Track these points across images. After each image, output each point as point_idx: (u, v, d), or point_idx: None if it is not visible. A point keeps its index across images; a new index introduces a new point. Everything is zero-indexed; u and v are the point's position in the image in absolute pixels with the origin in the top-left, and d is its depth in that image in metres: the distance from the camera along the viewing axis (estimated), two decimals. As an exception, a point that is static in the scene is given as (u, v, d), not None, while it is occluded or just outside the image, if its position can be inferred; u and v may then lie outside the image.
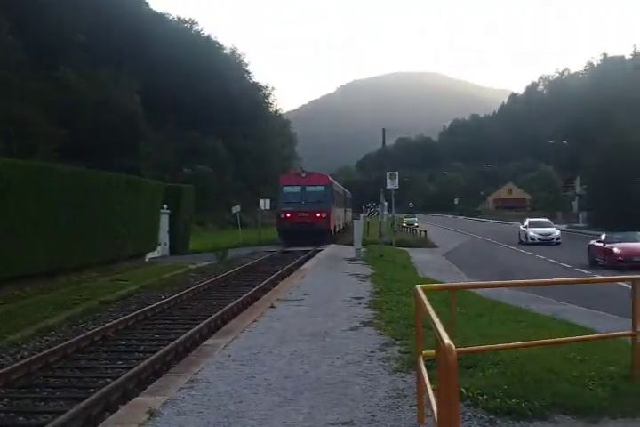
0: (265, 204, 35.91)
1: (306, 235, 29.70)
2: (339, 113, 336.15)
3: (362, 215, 28.74)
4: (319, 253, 24.93)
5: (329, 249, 27.47)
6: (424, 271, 19.85)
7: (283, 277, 17.87)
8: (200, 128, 59.53)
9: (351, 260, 21.42)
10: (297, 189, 31.28)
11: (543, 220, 37.83)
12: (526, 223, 35.85)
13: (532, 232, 34.20)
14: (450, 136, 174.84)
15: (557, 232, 34.48)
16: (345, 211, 43.57)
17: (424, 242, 33.00)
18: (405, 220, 57.04)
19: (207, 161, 55.87)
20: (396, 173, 23.10)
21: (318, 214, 30.73)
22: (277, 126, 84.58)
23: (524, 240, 34.24)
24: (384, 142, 30.76)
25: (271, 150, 76.25)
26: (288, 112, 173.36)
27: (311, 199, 30.90)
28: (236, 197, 57.79)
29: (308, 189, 31.23)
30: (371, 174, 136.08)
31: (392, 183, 22.55)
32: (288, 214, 30.81)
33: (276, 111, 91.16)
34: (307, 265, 20.01)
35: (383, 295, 12.21)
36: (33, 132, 35.32)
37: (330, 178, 34.77)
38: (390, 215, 30.33)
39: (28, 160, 19.12)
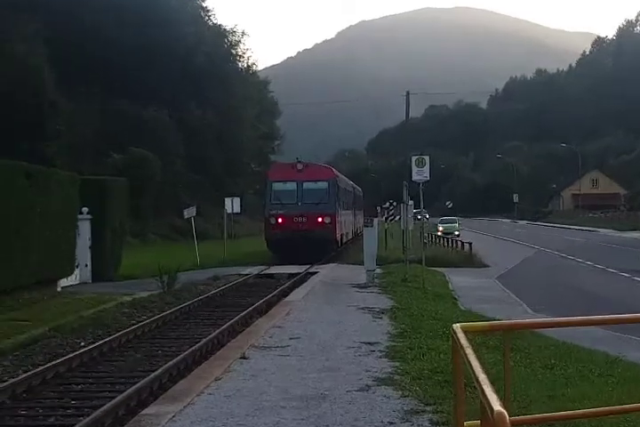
0: (233, 204, 36.10)
1: (304, 246, 31.69)
2: (339, 69, 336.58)
3: (375, 220, 28.92)
4: (313, 278, 25.21)
5: (327, 271, 27.76)
6: (468, 303, 20.03)
7: (259, 313, 17.91)
8: (136, 95, 58.98)
9: (361, 286, 21.56)
10: (291, 185, 33.98)
11: None
12: None
13: None
14: (504, 103, 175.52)
15: None
16: (354, 214, 46.21)
17: (468, 259, 33.27)
18: (441, 227, 57.68)
19: (147, 142, 55.39)
20: (426, 157, 23.03)
21: (320, 219, 33.19)
22: (251, 90, 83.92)
23: None
24: (407, 112, 30.85)
25: (242, 126, 76.03)
26: (267, 68, 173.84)
27: (310, 199, 33.52)
28: (190, 196, 57.84)
29: (307, 185, 33.91)
30: (389, 160, 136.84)
31: (420, 173, 22.53)
32: (280, 219, 33.29)
33: (249, 67, 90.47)
34: (294, 295, 20.14)
35: (407, 339, 12.30)
36: None
37: (334, 171, 37.59)
38: (419, 220, 30.65)
39: None
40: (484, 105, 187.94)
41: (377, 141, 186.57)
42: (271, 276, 27.39)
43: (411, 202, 27.57)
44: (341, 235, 36.31)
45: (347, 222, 39.96)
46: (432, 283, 23.33)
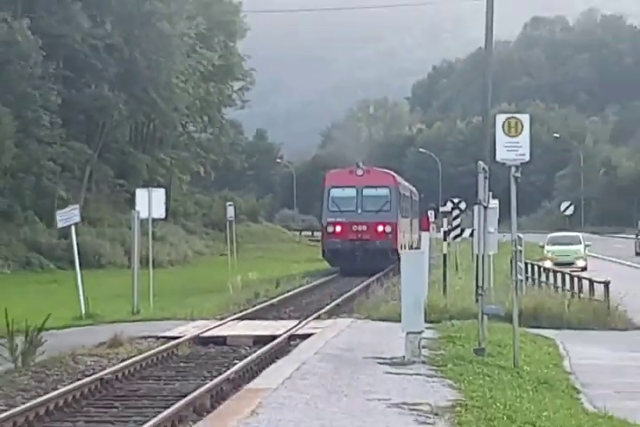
0: (151, 201, 18.91)
1: (363, 257, 27.92)
2: None
3: (426, 236, 17.51)
4: (305, 345, 12.44)
5: (334, 332, 14.11)
6: (602, 398, 9.43)
7: (198, 411, 8.16)
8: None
9: (396, 363, 10.26)
10: (350, 192, 29.46)
11: None
12: None
13: None
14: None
15: None
16: (411, 223, 35.94)
17: (603, 315, 16.56)
18: (552, 251, 30.81)
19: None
20: (524, 117, 10.40)
21: (380, 228, 28.71)
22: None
23: None
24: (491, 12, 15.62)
25: (165, 48, 41.04)
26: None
27: (370, 207, 29.15)
28: (69, 186, 34.82)
29: (366, 192, 29.34)
30: (447, 121, 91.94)
31: (513, 147, 9.85)
32: (338, 228, 28.98)
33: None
34: (267, 379, 9.23)
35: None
36: None
37: (396, 176, 32.45)
38: (515, 240, 12.87)
39: None
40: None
41: (428, 85, 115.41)
42: (222, 340, 13.71)
43: (494, 202, 13.82)
44: (402, 245, 29.62)
45: (407, 232, 32.76)
46: (532, 359, 11.53)
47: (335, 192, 29.27)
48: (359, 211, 28.43)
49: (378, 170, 32.53)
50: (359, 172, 29.22)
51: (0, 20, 34.66)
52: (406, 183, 36.58)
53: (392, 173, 32.50)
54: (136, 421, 7.40)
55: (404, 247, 30.50)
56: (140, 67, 41.02)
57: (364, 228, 27.93)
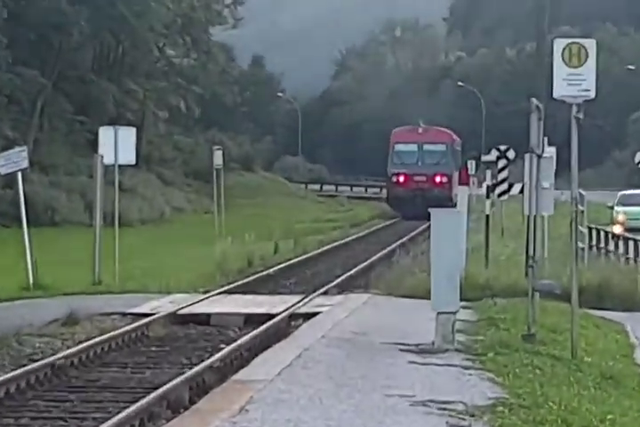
0: (118, 144, 18.95)
1: (422, 204, 31.41)
2: None
3: (464, 192, 17.89)
4: (310, 326, 12.32)
5: (346, 311, 13.79)
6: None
7: (174, 409, 8.20)
8: None
9: (424, 351, 10.28)
10: (412, 147, 39.22)
11: None
12: None
13: None
14: None
15: None
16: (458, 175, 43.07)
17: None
18: (622, 212, 29.64)
19: None
20: (590, 42, 10.35)
21: (438, 179, 37.08)
22: None
23: None
24: None
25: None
26: None
27: (429, 160, 38.40)
28: (14, 125, 36.82)
29: (426, 147, 38.76)
30: (490, 49, 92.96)
31: (576, 80, 9.94)
32: (401, 178, 38.18)
33: None
34: (261, 368, 9.23)
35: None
36: None
37: (453, 135, 41.89)
38: (576, 199, 13.16)
39: None
40: None
41: (470, 3, 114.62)
42: (205, 319, 13.60)
43: (550, 150, 13.59)
44: (455, 195, 30.77)
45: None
46: (595, 348, 11.51)
47: (399, 147, 39.32)
48: (419, 164, 38.28)
49: (437, 128, 42.13)
50: (420, 130, 39.79)
51: None
52: (458, 139, 44.73)
53: (448, 131, 42.64)
54: (95, 418, 7.47)
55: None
56: None
57: (424, 178, 37.30)
